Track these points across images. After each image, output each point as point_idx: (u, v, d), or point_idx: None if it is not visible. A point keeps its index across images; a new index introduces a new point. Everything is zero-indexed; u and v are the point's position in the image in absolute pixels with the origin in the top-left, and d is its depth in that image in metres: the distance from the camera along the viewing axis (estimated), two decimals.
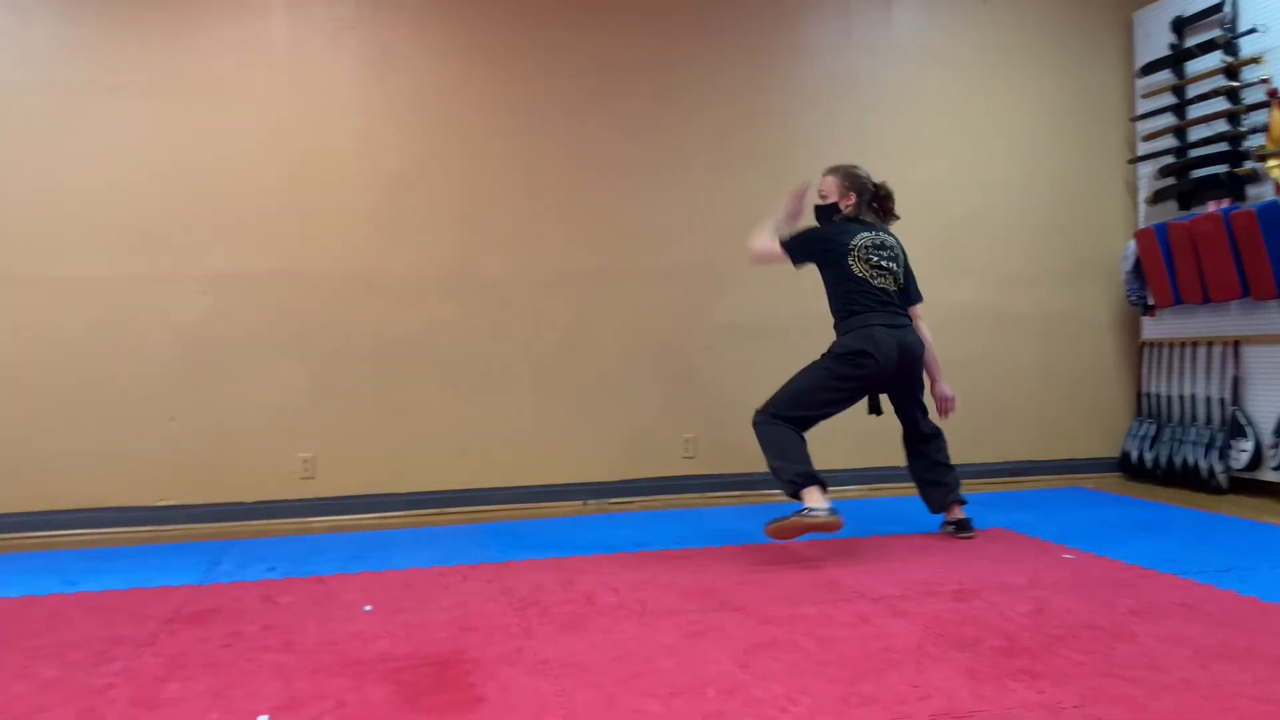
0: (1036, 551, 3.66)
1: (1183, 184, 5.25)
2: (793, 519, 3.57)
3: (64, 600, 3.26)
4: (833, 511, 3.58)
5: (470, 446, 4.95)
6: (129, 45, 4.65)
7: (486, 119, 5.02)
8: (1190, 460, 5.04)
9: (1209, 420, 5.07)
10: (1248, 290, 4.75)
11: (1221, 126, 5.02)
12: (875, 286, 3.87)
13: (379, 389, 4.86)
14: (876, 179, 4.06)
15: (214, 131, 4.73)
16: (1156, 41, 5.45)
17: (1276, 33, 4.75)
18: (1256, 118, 4.82)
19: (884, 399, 4.05)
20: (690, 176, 5.16)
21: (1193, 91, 5.24)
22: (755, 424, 3.80)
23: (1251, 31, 4.86)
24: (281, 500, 4.74)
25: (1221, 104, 5.01)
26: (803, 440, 3.77)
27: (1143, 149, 5.57)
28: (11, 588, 3.46)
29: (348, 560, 3.81)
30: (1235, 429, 4.87)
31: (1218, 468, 4.89)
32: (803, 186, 4.05)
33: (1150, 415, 5.46)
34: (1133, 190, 5.67)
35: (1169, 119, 5.37)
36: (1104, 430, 5.65)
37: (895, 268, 3.94)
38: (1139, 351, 5.62)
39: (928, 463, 4.09)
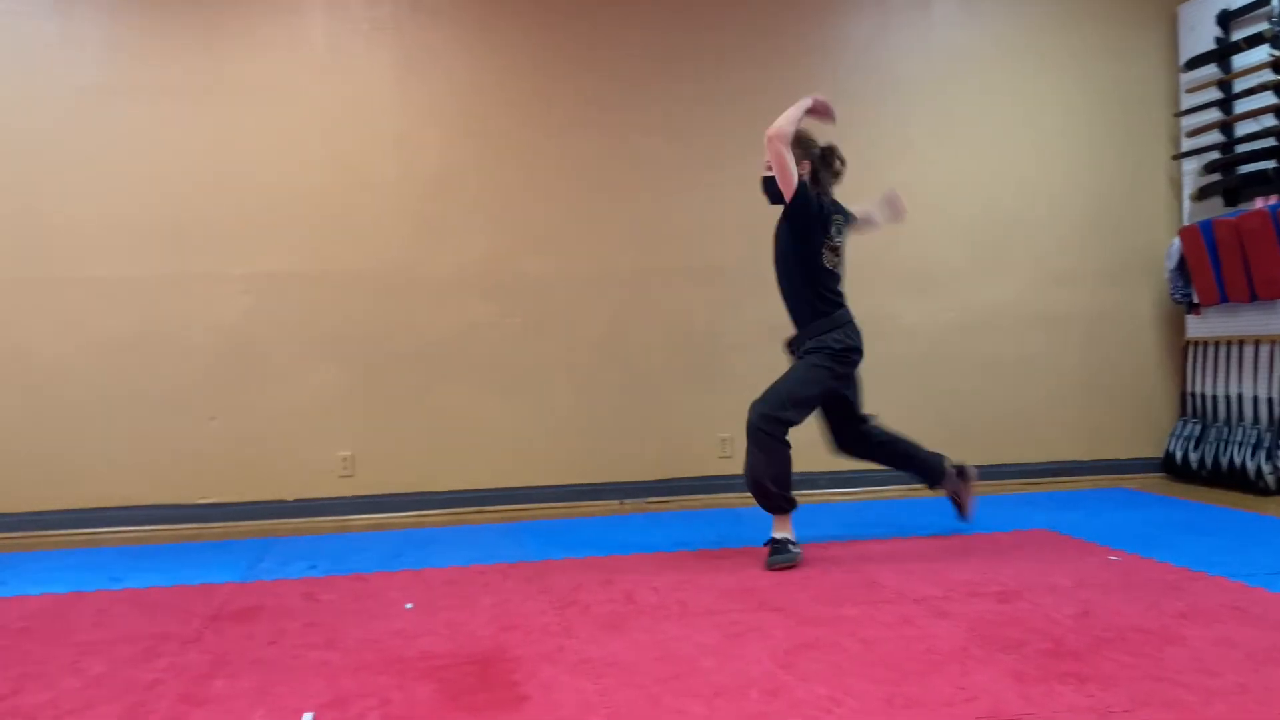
0: (1081, 553, 3.61)
1: (1228, 180, 5.16)
2: (785, 558, 3.50)
3: (110, 597, 3.30)
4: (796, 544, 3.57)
5: (508, 446, 4.96)
6: (171, 48, 4.70)
7: (524, 118, 5.03)
8: (1237, 461, 4.96)
9: (1256, 420, 4.98)
10: None
11: (1269, 121, 4.93)
12: (839, 275, 3.78)
13: (417, 388, 4.88)
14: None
15: (254, 132, 4.77)
16: (1201, 35, 5.36)
17: None
18: None
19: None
20: (727, 175, 5.14)
21: (1239, 86, 5.14)
22: (761, 432, 3.58)
23: None
24: (321, 498, 4.77)
25: (1269, 98, 4.92)
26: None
27: (1187, 144, 5.48)
28: (59, 584, 3.51)
29: (387, 558, 3.83)
30: None
31: (1266, 468, 4.80)
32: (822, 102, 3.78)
33: (1195, 415, 5.37)
34: (1177, 187, 5.58)
35: (1214, 114, 5.28)
36: (1147, 430, 5.57)
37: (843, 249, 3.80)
38: (1183, 350, 5.53)
39: (889, 439, 4.01)
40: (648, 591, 3.18)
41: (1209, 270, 5.10)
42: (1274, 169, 4.85)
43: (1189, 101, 5.48)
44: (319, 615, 3.00)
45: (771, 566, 3.47)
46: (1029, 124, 5.48)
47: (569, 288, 5.04)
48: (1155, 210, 5.58)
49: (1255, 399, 4.99)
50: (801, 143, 3.66)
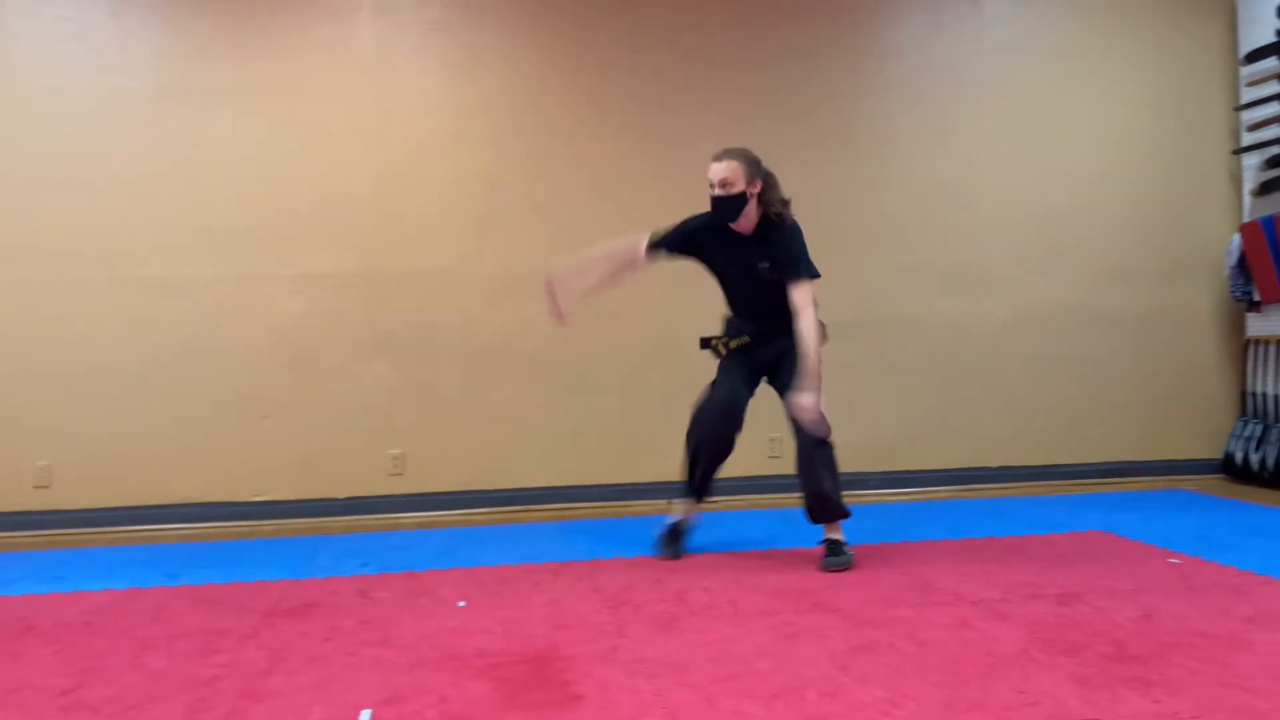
0: (1140, 555, 3.55)
1: None
2: (842, 560, 3.48)
3: (168, 593, 3.35)
4: None
5: (557, 445, 4.97)
6: (224, 51, 4.76)
7: (573, 118, 5.03)
8: None
9: None
10: None
11: None
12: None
13: (467, 387, 4.91)
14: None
15: (306, 134, 4.82)
16: (1262, 28, 5.24)
17: None
18: None
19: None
20: (779, 174, 5.10)
21: None
22: (831, 448, 3.65)
23: None
24: (372, 496, 4.81)
25: None
26: None
27: (1247, 139, 5.36)
28: (118, 579, 3.56)
29: (439, 556, 3.85)
30: None
31: None
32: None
33: (1255, 415, 5.26)
34: (1237, 182, 5.47)
35: (1275, 108, 5.17)
36: (1205, 431, 5.46)
37: None
38: (1243, 349, 5.41)
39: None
40: (699, 592, 3.17)
41: (1270, 267, 4.99)
42: None
43: (1249, 95, 5.36)
44: (373, 612, 3.02)
45: (828, 568, 3.44)
46: (1083, 119, 5.39)
47: (618, 289, 5.03)
48: (1214, 206, 5.46)
49: None
50: (758, 165, 3.68)
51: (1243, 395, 5.38)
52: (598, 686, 2.31)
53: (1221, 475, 5.38)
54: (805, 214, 5.11)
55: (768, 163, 5.07)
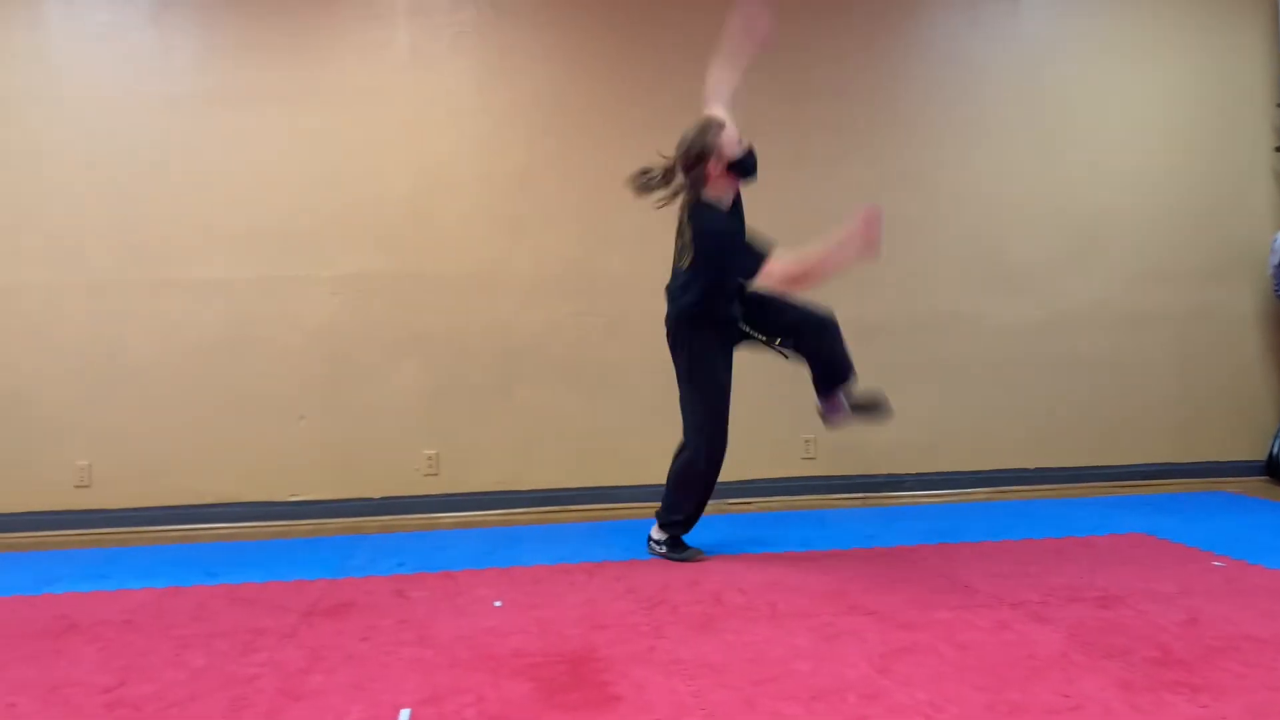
0: (1182, 558, 3.50)
1: None
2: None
3: (207, 591, 3.37)
4: None
5: (590, 445, 4.97)
6: (261, 55, 4.80)
7: (605, 119, 5.03)
8: None
9: None
10: None
11: None
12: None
13: (501, 387, 4.92)
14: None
15: (340, 137, 4.84)
16: None
17: None
18: None
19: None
20: (811, 173, 5.09)
21: None
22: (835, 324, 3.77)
23: None
24: (407, 496, 4.83)
25: None
26: None
27: None
28: (158, 578, 3.60)
29: (475, 556, 3.86)
30: None
31: None
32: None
33: None
34: (1279, 179, 5.38)
35: None
36: (1247, 432, 5.38)
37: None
38: None
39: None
40: (735, 593, 3.16)
41: None
42: None
43: None
44: (410, 612, 3.03)
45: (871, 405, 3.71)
46: (1121, 116, 5.33)
47: (650, 286, 4.99)
48: (1256, 204, 5.38)
49: None
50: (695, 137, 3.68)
51: None
52: (635, 687, 2.30)
53: (1264, 477, 5.30)
54: (839, 214, 5.09)
55: (804, 163, 5.08)
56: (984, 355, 5.18)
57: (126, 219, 4.70)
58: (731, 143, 3.60)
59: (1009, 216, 5.23)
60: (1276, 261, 5.15)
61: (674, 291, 3.81)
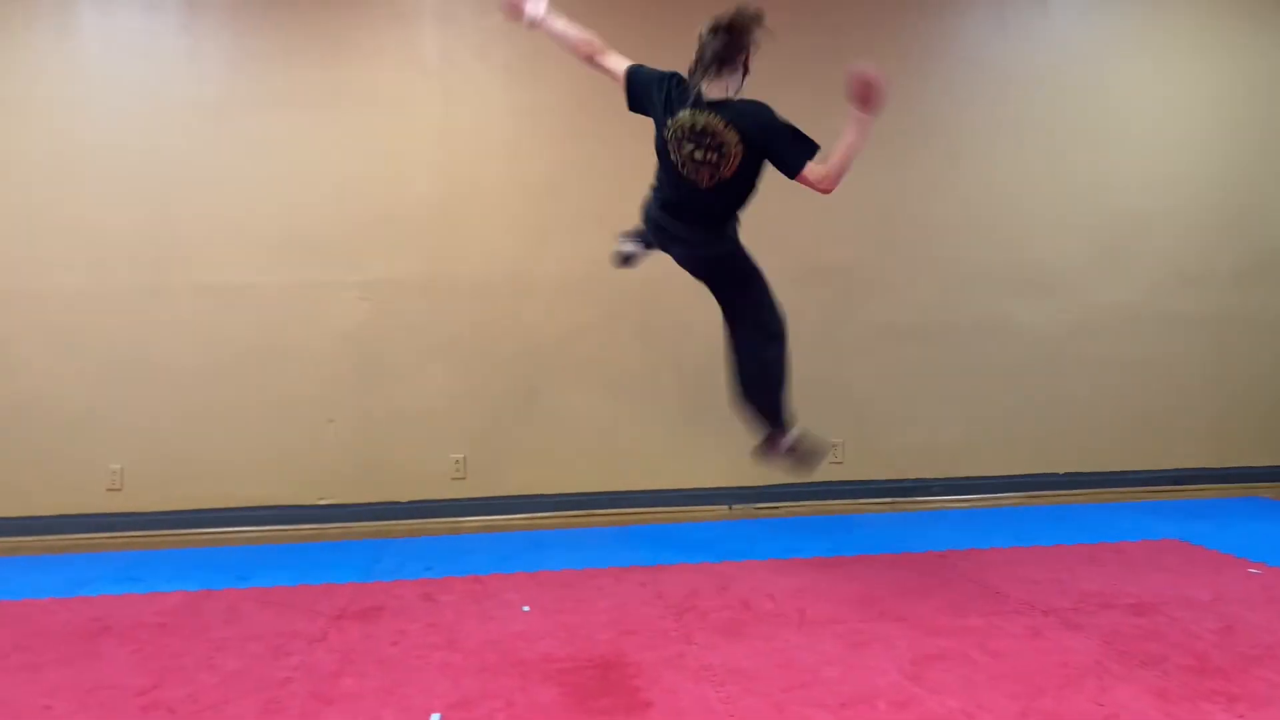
0: (1217, 565, 3.46)
1: None
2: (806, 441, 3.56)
3: (238, 595, 3.40)
4: None
5: (617, 449, 4.97)
6: (291, 60, 4.83)
7: (630, 123, 5.01)
8: None
9: None
10: None
11: None
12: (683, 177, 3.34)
13: (527, 391, 4.92)
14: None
15: (369, 142, 4.87)
16: None
17: None
18: None
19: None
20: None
21: None
22: (783, 349, 3.55)
23: None
24: (435, 500, 4.84)
25: None
26: None
27: None
28: (190, 581, 3.63)
29: (501, 560, 3.86)
30: None
31: None
32: None
33: None
34: None
35: None
36: None
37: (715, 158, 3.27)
38: None
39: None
40: (764, 599, 3.15)
41: None
42: None
43: None
44: (439, 616, 3.04)
45: (804, 447, 3.62)
46: (1152, 117, 5.27)
47: (677, 290, 5.00)
48: None
49: None
50: None
51: None
52: (665, 693, 2.30)
53: None
54: (870, 216, 5.09)
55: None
56: (1013, 359, 5.14)
57: (158, 225, 4.75)
58: None
59: (1039, 219, 5.18)
60: None
61: (703, 221, 3.46)
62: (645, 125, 4.98)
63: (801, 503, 4.99)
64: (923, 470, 5.07)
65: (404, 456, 4.85)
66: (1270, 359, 5.30)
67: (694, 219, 3.45)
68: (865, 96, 3.10)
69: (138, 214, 4.73)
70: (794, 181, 3.40)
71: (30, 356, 4.68)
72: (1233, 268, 5.28)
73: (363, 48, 4.89)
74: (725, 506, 4.98)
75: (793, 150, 3.22)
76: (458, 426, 4.89)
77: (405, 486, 4.85)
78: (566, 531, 4.52)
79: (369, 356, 4.85)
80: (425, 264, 4.89)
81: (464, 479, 4.89)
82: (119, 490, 4.71)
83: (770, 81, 5.04)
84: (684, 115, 3.29)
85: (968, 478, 5.08)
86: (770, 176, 3.55)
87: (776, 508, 4.96)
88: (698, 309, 5.01)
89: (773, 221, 5.04)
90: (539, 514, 4.87)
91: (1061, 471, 5.14)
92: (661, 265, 4.98)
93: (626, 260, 3.86)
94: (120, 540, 4.56)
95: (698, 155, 3.27)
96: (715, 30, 3.26)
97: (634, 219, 4.96)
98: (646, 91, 3.49)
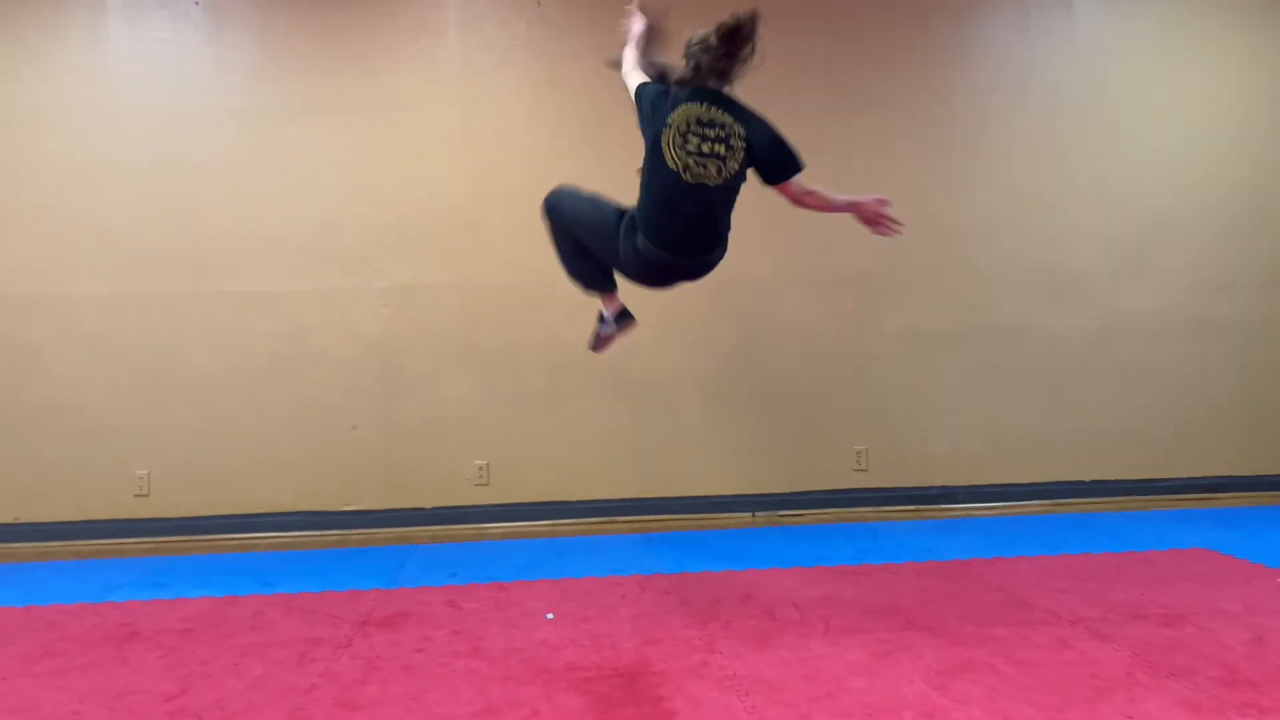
0: (1247, 575, 3.42)
1: None
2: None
3: (264, 601, 3.42)
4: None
5: (639, 456, 4.96)
6: (316, 69, 4.86)
7: None
8: None
9: None
10: None
11: None
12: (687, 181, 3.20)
13: (550, 398, 4.93)
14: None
15: (393, 150, 4.89)
16: None
17: None
18: None
19: None
20: (861, 182, 5.04)
21: None
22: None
23: None
24: (458, 506, 4.85)
25: None
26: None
27: None
28: (215, 587, 3.65)
29: (525, 567, 3.87)
30: None
31: None
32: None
33: None
34: None
35: None
36: None
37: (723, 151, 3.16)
38: None
39: None
40: (789, 607, 3.13)
41: None
42: None
43: None
44: (463, 623, 3.04)
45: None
46: (1179, 121, 5.23)
47: (699, 297, 5.01)
48: None
49: None
50: None
51: None
52: (690, 703, 2.30)
53: None
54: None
55: (845, 168, 5.03)
56: (1038, 365, 5.10)
57: (184, 232, 4.79)
58: None
59: (1064, 224, 5.15)
60: None
61: (712, 227, 3.37)
62: None
63: (825, 510, 4.97)
64: (947, 478, 5.04)
65: (428, 463, 4.87)
66: None
67: (700, 235, 3.35)
68: (876, 222, 3.36)
69: (165, 222, 4.78)
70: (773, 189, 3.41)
71: (59, 363, 4.72)
72: (1262, 273, 5.23)
73: (387, 57, 4.91)
74: (749, 514, 4.97)
75: (789, 162, 3.29)
76: (481, 433, 4.90)
77: (429, 493, 4.86)
78: (589, 539, 4.53)
79: (392, 363, 4.87)
80: (448, 271, 4.91)
81: (487, 485, 4.90)
82: (146, 496, 4.75)
83: (788, 87, 5.06)
84: (690, 107, 3.21)
85: (993, 485, 5.05)
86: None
87: (800, 515, 4.94)
88: (719, 316, 5.02)
89: (795, 230, 5.04)
90: (562, 520, 4.88)
91: (1089, 479, 5.10)
92: None
93: (602, 344, 4.00)
94: (147, 546, 4.59)
95: (705, 148, 3.17)
96: (717, 41, 3.23)
97: None
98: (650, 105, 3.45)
